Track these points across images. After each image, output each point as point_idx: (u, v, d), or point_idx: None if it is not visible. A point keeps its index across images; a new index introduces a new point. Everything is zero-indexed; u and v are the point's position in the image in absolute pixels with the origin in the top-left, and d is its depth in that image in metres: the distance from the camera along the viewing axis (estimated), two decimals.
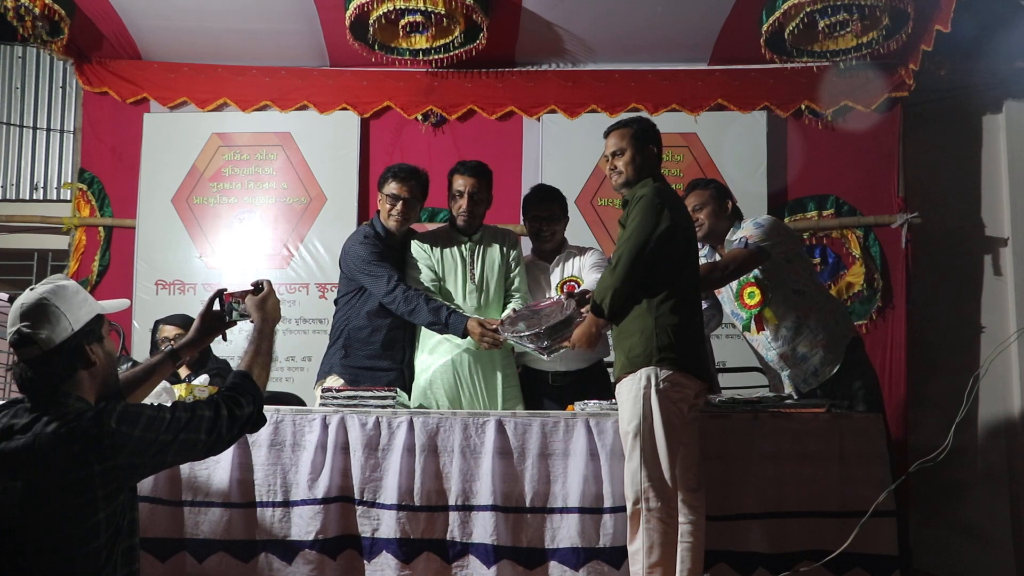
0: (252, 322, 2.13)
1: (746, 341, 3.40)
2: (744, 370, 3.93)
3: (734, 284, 3.22)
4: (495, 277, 3.36)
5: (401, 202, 3.34)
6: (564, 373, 3.34)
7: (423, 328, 3.30)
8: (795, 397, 3.17)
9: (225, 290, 2.24)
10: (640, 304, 2.65)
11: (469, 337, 3.13)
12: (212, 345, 3.34)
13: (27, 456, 1.67)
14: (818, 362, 3.18)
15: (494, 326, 3.09)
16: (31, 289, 1.82)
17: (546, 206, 3.43)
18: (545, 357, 2.98)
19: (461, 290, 3.33)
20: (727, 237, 3.25)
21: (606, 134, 2.87)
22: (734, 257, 3.08)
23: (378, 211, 3.42)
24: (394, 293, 3.21)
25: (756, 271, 3.17)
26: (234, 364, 3.54)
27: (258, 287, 2.19)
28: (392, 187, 3.34)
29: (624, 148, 2.79)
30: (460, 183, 3.34)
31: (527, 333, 2.91)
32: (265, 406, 3.00)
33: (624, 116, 4.54)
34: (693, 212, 3.16)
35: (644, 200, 2.66)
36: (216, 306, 2.24)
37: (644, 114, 4.64)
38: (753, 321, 3.23)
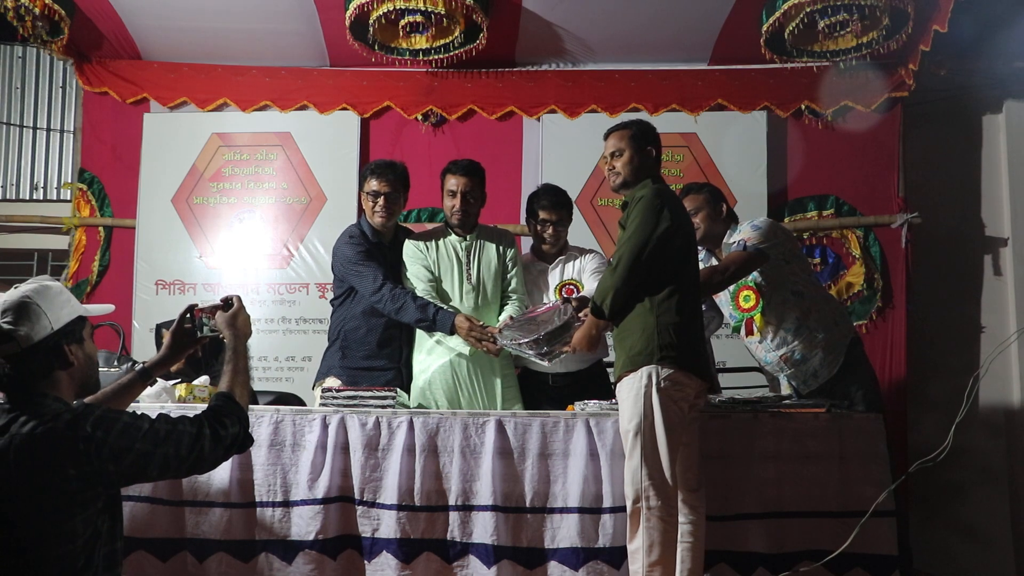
0: (223, 339, 2.11)
1: (744, 344, 3.40)
2: (744, 370, 3.93)
3: (731, 286, 3.22)
4: (491, 277, 3.35)
5: (383, 197, 3.33)
6: (564, 375, 3.33)
7: None
8: (795, 398, 3.17)
9: (196, 305, 2.21)
10: (642, 303, 2.65)
11: (457, 334, 3.12)
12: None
13: (2, 457, 1.68)
14: (818, 363, 3.18)
15: (482, 323, 3.10)
16: (15, 288, 1.83)
17: (555, 211, 3.40)
18: (546, 363, 2.99)
19: (458, 290, 3.32)
20: (724, 240, 3.25)
21: (605, 136, 2.87)
22: (733, 260, 3.08)
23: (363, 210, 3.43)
24: (381, 292, 3.20)
25: (756, 274, 3.17)
26: None
27: (227, 303, 2.15)
28: (372, 184, 3.34)
29: (623, 149, 2.79)
30: (452, 182, 3.33)
31: (525, 340, 2.91)
32: (264, 406, 3.02)
33: (624, 116, 4.60)
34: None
35: (644, 201, 2.66)
36: (188, 322, 2.21)
37: (644, 114, 4.66)
38: (743, 324, 3.24)
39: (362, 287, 3.27)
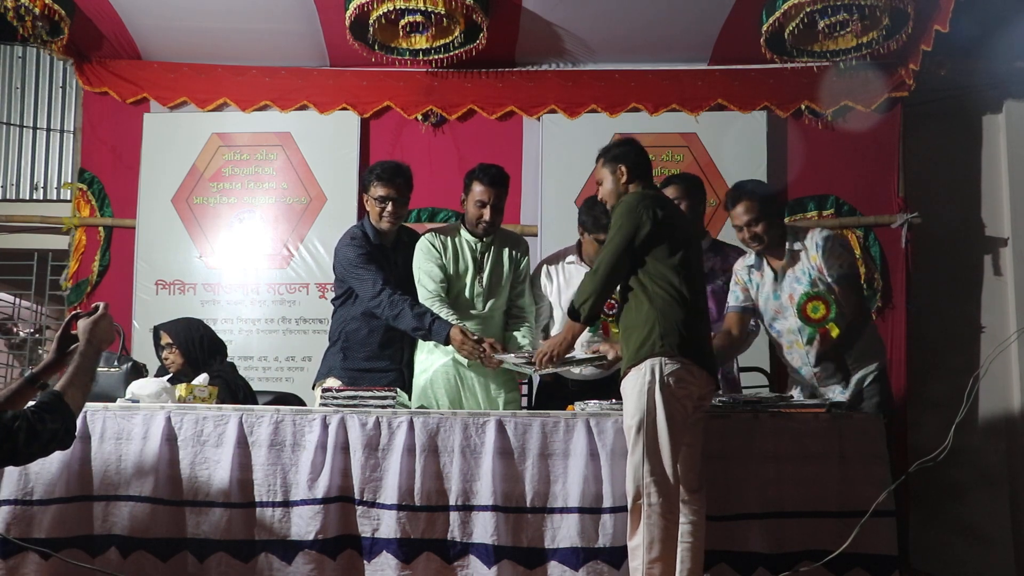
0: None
1: (779, 352, 3.30)
2: (744, 370, 3.92)
3: (797, 297, 3.14)
4: (502, 282, 3.36)
5: (391, 203, 3.32)
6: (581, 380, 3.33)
7: None
8: (801, 399, 3.15)
9: (79, 314, 2.27)
10: (643, 301, 2.66)
11: (451, 345, 3.10)
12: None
13: None
14: (854, 382, 3.16)
15: (476, 336, 3.09)
16: None
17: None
18: (530, 371, 3.01)
19: (468, 291, 3.32)
20: (787, 247, 3.17)
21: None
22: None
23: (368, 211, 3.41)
24: (380, 297, 3.20)
25: (824, 288, 3.11)
26: (241, 365, 3.54)
27: (94, 310, 2.22)
28: (378, 189, 3.32)
29: (600, 178, 2.87)
30: (482, 193, 3.26)
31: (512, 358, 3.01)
32: (264, 407, 3.02)
33: (624, 116, 4.65)
34: (748, 226, 3.12)
35: (622, 206, 2.72)
36: (72, 329, 2.27)
37: (644, 114, 4.70)
38: (819, 335, 3.13)
39: (361, 291, 3.27)
